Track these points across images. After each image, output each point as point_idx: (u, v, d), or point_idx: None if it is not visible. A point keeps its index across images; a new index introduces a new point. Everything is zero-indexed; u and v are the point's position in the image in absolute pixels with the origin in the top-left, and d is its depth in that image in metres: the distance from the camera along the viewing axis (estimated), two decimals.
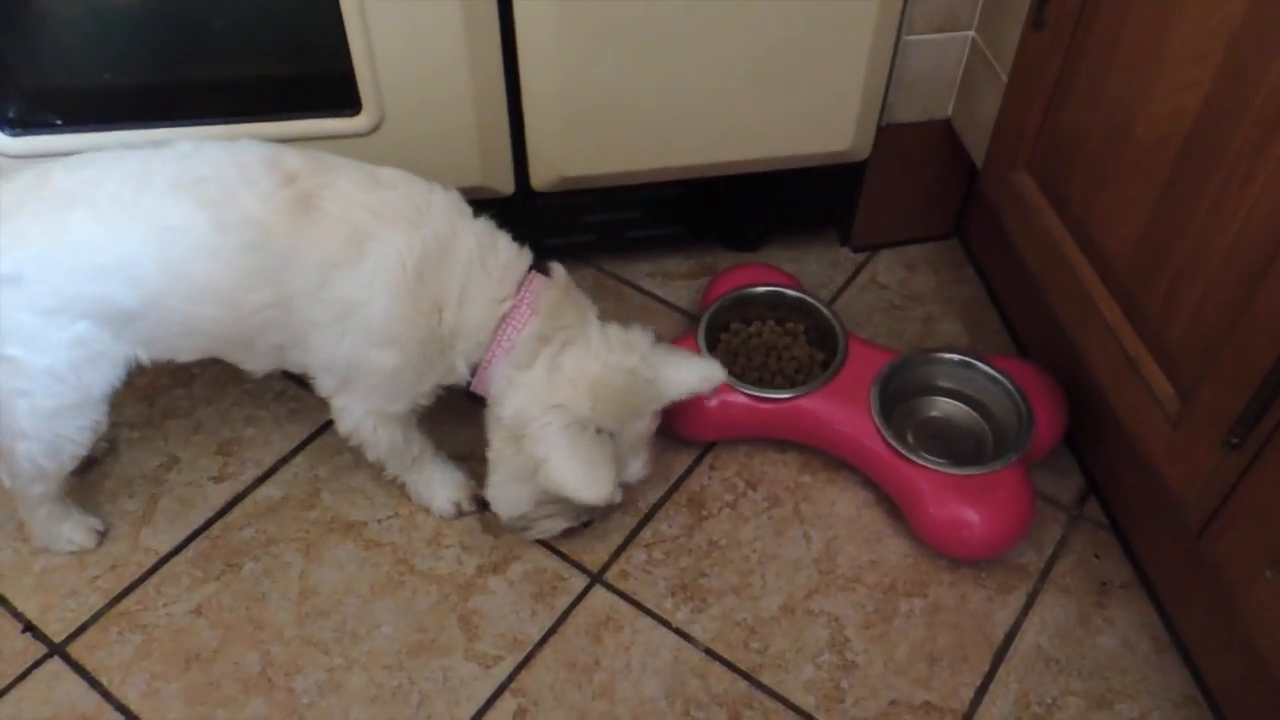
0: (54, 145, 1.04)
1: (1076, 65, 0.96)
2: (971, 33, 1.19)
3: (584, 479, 0.91)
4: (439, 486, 1.09)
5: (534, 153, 1.17)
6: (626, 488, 1.03)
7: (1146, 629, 1.05)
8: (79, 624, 1.02)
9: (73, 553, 1.06)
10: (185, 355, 0.96)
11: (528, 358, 0.94)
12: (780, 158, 1.24)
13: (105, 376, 0.91)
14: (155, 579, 1.06)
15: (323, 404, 1.01)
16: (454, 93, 1.09)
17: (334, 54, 1.04)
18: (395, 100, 1.09)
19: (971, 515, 1.05)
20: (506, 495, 1.00)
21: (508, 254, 0.95)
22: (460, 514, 1.11)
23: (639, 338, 0.98)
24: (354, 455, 1.07)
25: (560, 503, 0.98)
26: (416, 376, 0.95)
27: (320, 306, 0.90)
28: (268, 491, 1.13)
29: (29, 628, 1.02)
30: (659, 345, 1.00)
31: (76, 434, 0.93)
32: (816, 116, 1.21)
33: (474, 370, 0.96)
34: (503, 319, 0.94)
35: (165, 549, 1.08)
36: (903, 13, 1.15)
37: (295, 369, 0.99)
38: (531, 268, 0.98)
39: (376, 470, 1.09)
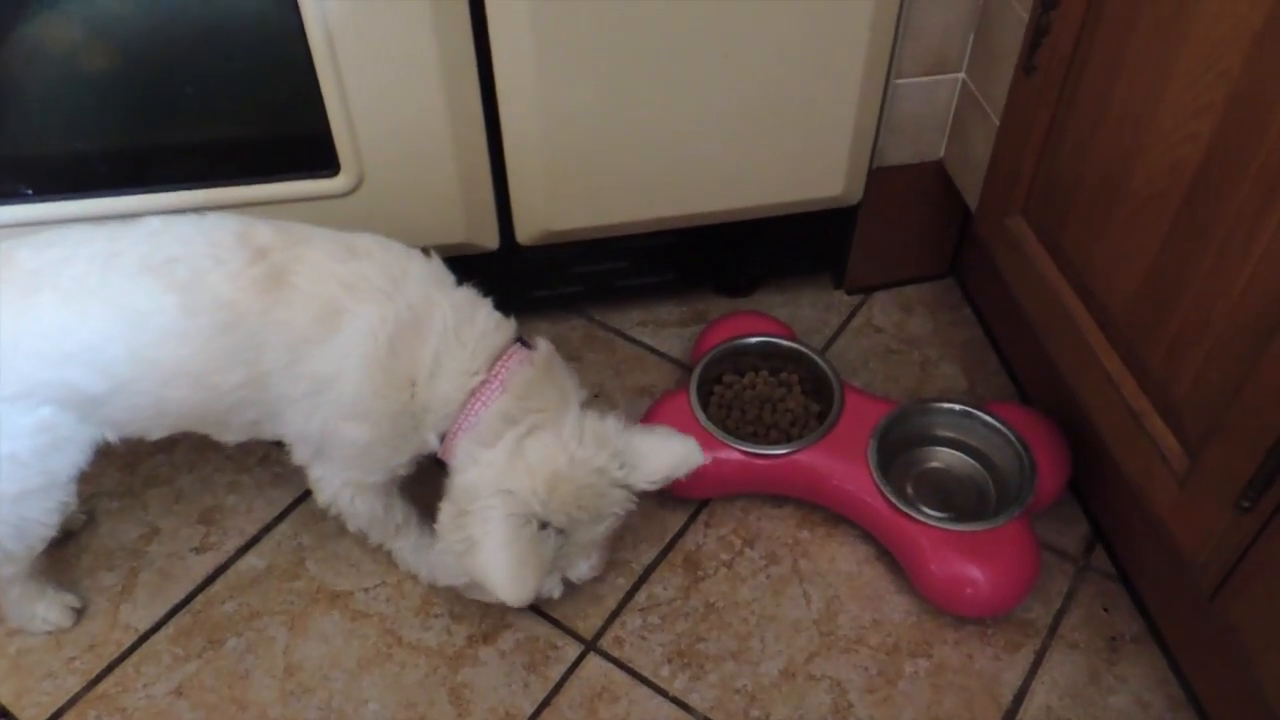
0: (24, 215, 1.01)
1: (1069, 112, 0.94)
2: (961, 74, 1.17)
3: (507, 577, 0.85)
4: (425, 553, 1.06)
5: (518, 207, 1.15)
6: (568, 584, 0.98)
7: (1160, 685, 1.02)
8: (55, 709, 0.99)
9: (49, 633, 1.03)
10: (157, 434, 0.93)
11: (491, 436, 0.89)
12: (771, 205, 1.22)
13: (71, 460, 0.88)
14: (135, 658, 1.02)
15: None
16: (434, 149, 1.07)
17: (310, 114, 1.02)
18: (374, 159, 1.06)
19: (975, 573, 1.02)
20: (444, 565, 0.96)
21: (485, 325, 0.91)
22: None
23: (613, 430, 0.92)
24: (339, 521, 1.04)
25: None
26: (390, 450, 0.92)
27: (292, 382, 0.87)
28: (251, 561, 1.10)
29: (3, 714, 0.98)
30: (633, 431, 0.94)
31: (43, 516, 0.91)
32: (807, 162, 1.18)
33: (443, 439, 0.92)
34: (473, 393, 0.90)
35: (145, 626, 1.05)
36: (891, 56, 1.13)
37: (271, 439, 0.96)
38: (519, 340, 0.94)
39: (362, 536, 1.05)
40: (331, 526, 1.11)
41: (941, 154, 1.26)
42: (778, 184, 1.20)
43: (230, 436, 0.95)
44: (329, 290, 0.86)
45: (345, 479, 0.95)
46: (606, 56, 1.03)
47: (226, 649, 1.03)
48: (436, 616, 1.06)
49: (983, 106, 1.13)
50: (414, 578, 1.08)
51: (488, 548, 0.86)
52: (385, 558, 1.09)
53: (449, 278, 0.93)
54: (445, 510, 0.92)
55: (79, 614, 1.05)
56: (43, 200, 1.01)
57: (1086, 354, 0.95)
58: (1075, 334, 0.96)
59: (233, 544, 1.12)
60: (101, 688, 1.00)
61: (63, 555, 1.09)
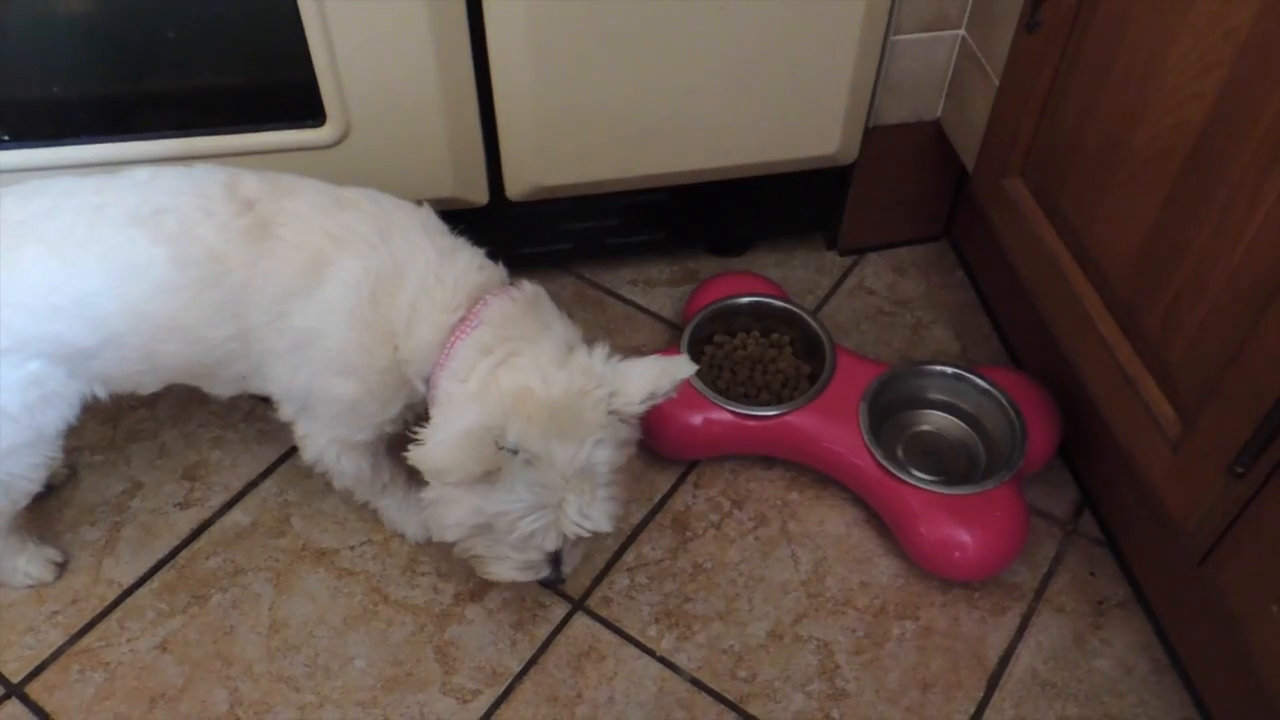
0: (1, 162, 0.99)
1: (1072, 70, 0.92)
2: (961, 31, 1.15)
3: (435, 445, 0.78)
4: (412, 512, 1.05)
5: (508, 162, 1.13)
6: (571, 545, 0.90)
7: (1144, 649, 1.02)
8: (38, 663, 0.98)
9: (30, 587, 1.02)
10: (147, 388, 0.92)
11: (466, 369, 0.85)
12: (764, 163, 1.20)
13: (60, 415, 0.87)
14: (118, 613, 1.02)
15: None
16: (423, 101, 1.05)
17: (295, 62, 0.99)
18: (361, 110, 1.04)
19: (964, 536, 1.02)
20: (433, 510, 0.88)
21: (467, 264, 0.88)
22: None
23: (599, 359, 0.85)
24: (324, 478, 1.03)
25: (495, 536, 0.87)
26: (380, 405, 0.90)
27: (278, 336, 0.86)
28: (236, 518, 1.09)
29: None
30: (617, 358, 0.87)
31: (29, 472, 0.89)
32: (802, 120, 1.16)
33: (429, 384, 0.89)
34: (451, 330, 0.86)
35: (128, 581, 1.04)
36: (890, 11, 1.10)
37: (259, 393, 0.95)
38: (511, 284, 0.91)
39: (348, 494, 1.04)
40: (317, 483, 1.10)
41: (939, 113, 1.24)
42: (772, 142, 1.18)
43: (220, 390, 0.94)
44: (315, 242, 0.84)
45: (331, 436, 0.94)
46: (600, 7, 1.01)
47: (211, 604, 1.03)
48: (423, 574, 1.06)
49: (982, 64, 1.11)
50: (401, 536, 1.08)
51: (438, 434, 0.80)
52: (371, 515, 1.08)
53: (438, 226, 0.91)
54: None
55: (61, 568, 1.04)
56: (20, 146, 0.99)
57: (1082, 318, 0.94)
58: (1071, 297, 0.96)
59: (217, 500, 1.11)
60: (84, 642, 0.99)
61: (45, 509, 1.08)
